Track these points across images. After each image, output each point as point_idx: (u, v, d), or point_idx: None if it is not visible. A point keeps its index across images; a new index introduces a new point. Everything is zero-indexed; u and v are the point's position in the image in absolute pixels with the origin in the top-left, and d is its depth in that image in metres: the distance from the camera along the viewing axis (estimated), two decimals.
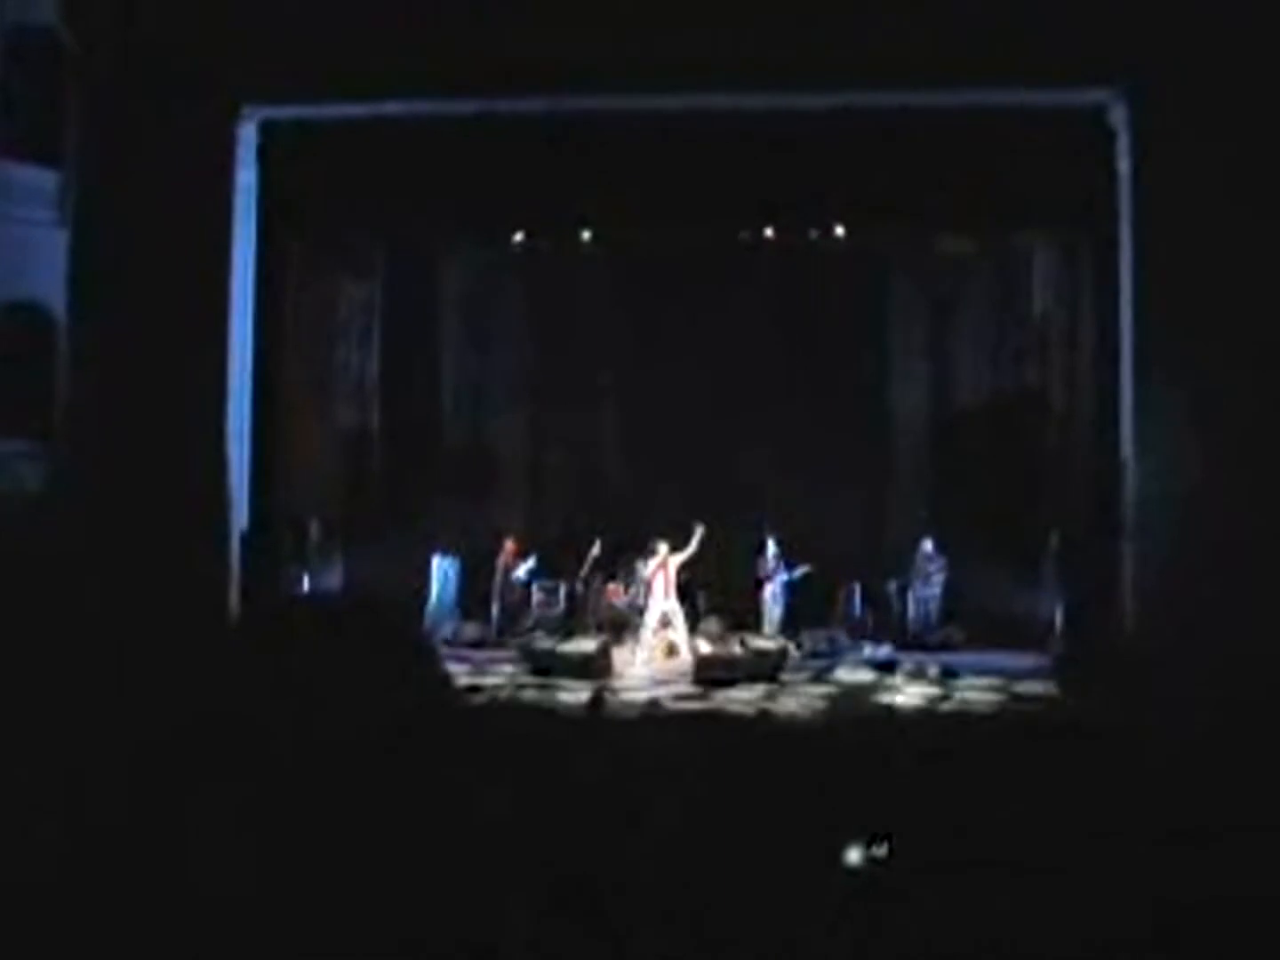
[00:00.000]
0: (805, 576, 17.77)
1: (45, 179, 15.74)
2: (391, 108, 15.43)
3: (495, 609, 18.22)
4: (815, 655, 16.79)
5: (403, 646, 1.78)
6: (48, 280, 15.51)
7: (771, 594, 17.99)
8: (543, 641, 16.82)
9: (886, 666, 16.02)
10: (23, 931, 1.93)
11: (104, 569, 13.83)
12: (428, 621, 17.64)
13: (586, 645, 16.36)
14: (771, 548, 18.01)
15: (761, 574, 18.06)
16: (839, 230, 18.61)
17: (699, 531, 16.25)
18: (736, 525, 17.92)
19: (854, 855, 5.76)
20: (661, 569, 16.46)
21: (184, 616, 12.94)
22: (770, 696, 14.46)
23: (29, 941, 1.93)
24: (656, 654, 16.65)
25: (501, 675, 15.51)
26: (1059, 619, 15.80)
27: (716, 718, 13.52)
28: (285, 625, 1.85)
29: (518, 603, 18.51)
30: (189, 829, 1.76)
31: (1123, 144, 15.13)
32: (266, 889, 1.80)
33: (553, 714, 13.50)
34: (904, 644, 17.39)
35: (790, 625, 17.65)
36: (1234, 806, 6.62)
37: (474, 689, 14.00)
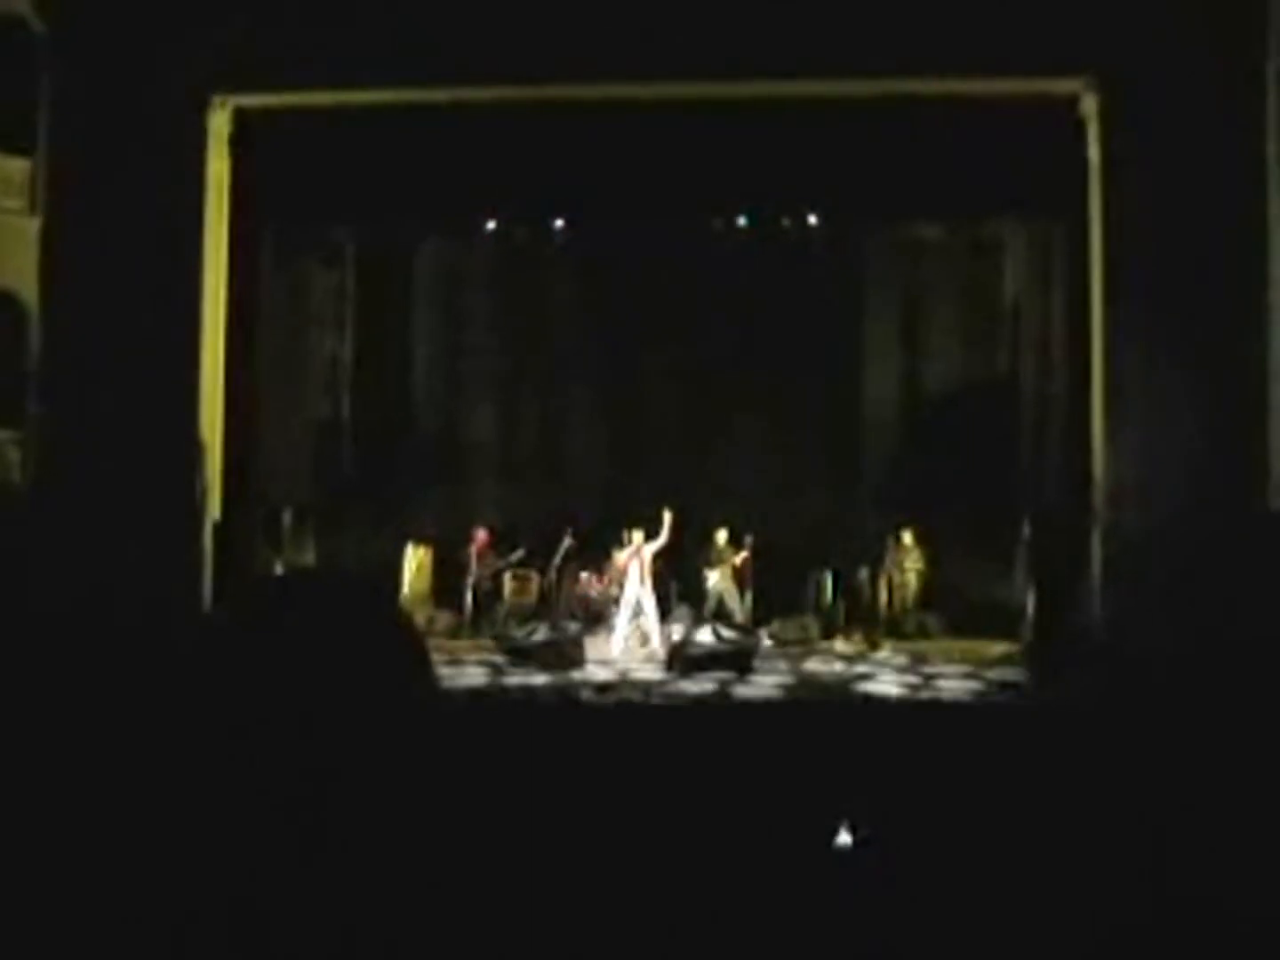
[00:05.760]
0: (777, 564, 17.75)
1: (16, 168, 15.72)
2: (363, 96, 15.43)
3: (469, 599, 18.19)
4: (788, 644, 16.82)
5: (387, 626, 1.79)
6: (19, 269, 15.48)
7: (715, 581, 18.01)
8: (516, 630, 16.82)
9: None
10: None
11: (77, 557, 13.83)
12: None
13: (560, 634, 16.37)
14: (722, 535, 18.02)
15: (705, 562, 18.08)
16: (812, 218, 18.65)
17: (668, 519, 16.25)
18: (707, 513, 17.93)
19: (832, 842, 5.81)
20: (635, 557, 16.47)
21: (158, 604, 12.95)
22: (742, 684, 14.52)
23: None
24: (630, 643, 16.67)
25: (478, 664, 15.53)
26: (1030, 606, 15.87)
27: (688, 702, 13.64)
28: (263, 606, 1.86)
29: (491, 592, 18.48)
30: (169, 816, 1.77)
31: (1093, 133, 15.24)
32: (255, 883, 1.81)
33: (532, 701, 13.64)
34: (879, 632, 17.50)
35: (763, 614, 17.66)
36: (1205, 791, 6.69)
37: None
